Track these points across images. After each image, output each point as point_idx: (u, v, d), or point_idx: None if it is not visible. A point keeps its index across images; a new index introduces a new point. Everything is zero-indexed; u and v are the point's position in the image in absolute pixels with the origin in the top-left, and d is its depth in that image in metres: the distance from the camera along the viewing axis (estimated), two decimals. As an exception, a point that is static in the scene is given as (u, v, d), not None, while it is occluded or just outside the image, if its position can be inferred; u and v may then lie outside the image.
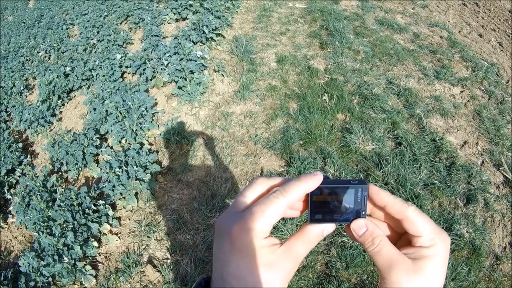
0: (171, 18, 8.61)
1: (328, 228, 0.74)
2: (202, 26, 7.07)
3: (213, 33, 7.13)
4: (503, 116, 5.45)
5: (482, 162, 4.76)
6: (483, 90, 5.91)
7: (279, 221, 3.98)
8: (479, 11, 8.33)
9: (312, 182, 0.71)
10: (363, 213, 0.74)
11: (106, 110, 5.53)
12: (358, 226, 0.74)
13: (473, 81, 5.99)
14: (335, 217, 0.74)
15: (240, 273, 0.66)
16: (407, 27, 7.75)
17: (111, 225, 4.33)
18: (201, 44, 7.12)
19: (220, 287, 0.68)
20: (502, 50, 7.02)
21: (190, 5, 8.33)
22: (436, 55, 6.73)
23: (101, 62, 7.27)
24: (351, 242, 3.81)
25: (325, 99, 5.77)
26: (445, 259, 0.70)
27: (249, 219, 0.66)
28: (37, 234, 4.10)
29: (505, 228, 4.06)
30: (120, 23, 9.65)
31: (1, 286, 3.77)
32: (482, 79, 6.07)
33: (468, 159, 4.76)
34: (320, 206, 0.74)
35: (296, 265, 0.70)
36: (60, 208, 4.22)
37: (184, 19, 8.55)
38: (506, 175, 4.57)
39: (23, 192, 4.68)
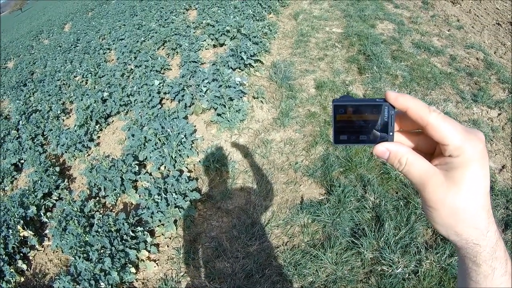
0: (208, 44, 8.67)
1: None
2: (240, 52, 7.06)
3: (251, 59, 7.11)
4: (541, 140, 5.27)
5: (521, 186, 4.60)
6: (520, 112, 5.75)
7: (319, 249, 3.90)
8: (513, 31, 8.21)
9: None
10: (391, 133, 0.70)
11: (145, 137, 5.52)
12: (381, 152, 0.71)
13: (510, 103, 5.82)
14: (361, 138, 0.72)
15: None
16: (443, 49, 7.64)
17: (149, 251, 4.30)
18: (240, 70, 7.13)
19: None
20: (537, 71, 6.87)
21: (228, 31, 8.38)
22: (473, 77, 6.58)
23: (139, 88, 7.32)
24: (390, 270, 3.69)
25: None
26: (480, 165, 0.66)
27: None
28: (73, 258, 4.11)
29: (543, 256, 3.90)
30: (158, 49, 9.76)
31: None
32: (519, 100, 5.92)
33: (506, 184, 4.58)
34: (345, 126, 0.71)
35: None
36: (97, 233, 4.21)
37: (221, 45, 8.59)
38: (544, 200, 4.40)
39: (59, 216, 4.72)
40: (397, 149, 0.70)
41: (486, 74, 6.63)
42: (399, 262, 3.74)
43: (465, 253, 0.71)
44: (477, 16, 9.17)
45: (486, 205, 0.68)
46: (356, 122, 0.70)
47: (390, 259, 3.77)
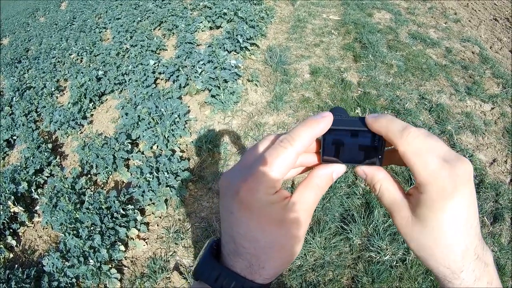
0: (205, 26, 8.63)
1: (338, 170, 0.68)
2: (237, 35, 7.05)
3: (247, 42, 7.10)
4: (533, 135, 5.30)
5: (511, 180, 4.62)
6: (513, 107, 5.77)
7: (308, 233, 3.93)
8: (510, 27, 8.19)
9: (321, 125, 0.63)
10: (379, 157, 0.68)
11: (139, 116, 5.52)
12: (359, 174, 0.69)
13: (503, 98, 5.85)
14: (348, 158, 0.69)
15: (252, 233, 0.62)
16: (439, 41, 7.66)
17: (139, 230, 4.31)
18: (235, 53, 7.11)
19: (232, 250, 0.64)
20: (533, 67, 6.89)
21: (225, 14, 8.34)
22: (468, 70, 6.61)
23: (134, 67, 7.31)
24: (378, 257, 3.75)
25: (357, 113, 5.69)
26: (450, 206, 0.58)
27: (256, 175, 0.60)
28: (63, 235, 4.11)
29: (531, 249, 3.94)
30: (154, 29, 9.73)
31: (24, 285, 3.79)
32: (512, 96, 5.94)
33: (496, 177, 4.62)
34: (334, 145, 0.68)
35: (308, 217, 0.66)
36: (88, 210, 4.22)
37: (218, 27, 8.56)
38: (534, 194, 4.45)
39: (50, 193, 4.71)
40: (373, 174, 0.68)
41: (481, 68, 6.64)
42: (387, 249, 3.78)
43: (442, 285, 0.66)
44: (475, 10, 9.18)
45: (459, 245, 0.61)
46: (346, 144, 0.68)
47: (378, 246, 3.81)
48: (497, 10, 9.07)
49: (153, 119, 5.31)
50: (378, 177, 0.68)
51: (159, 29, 9.76)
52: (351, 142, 0.68)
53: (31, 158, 5.73)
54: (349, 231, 3.98)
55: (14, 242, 4.77)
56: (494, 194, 4.36)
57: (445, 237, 0.61)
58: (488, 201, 4.29)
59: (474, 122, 5.41)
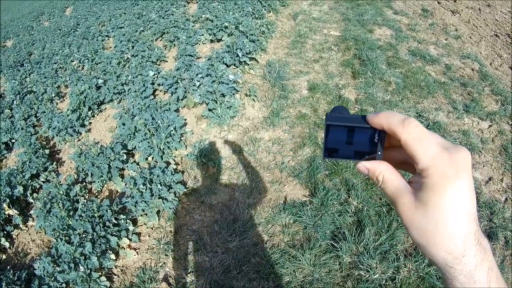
0: (206, 39, 8.68)
1: None
2: (236, 49, 7.09)
3: (246, 56, 7.15)
4: (531, 153, 5.30)
5: (506, 199, 4.61)
6: (511, 125, 5.81)
7: (298, 250, 3.95)
8: (511, 43, 8.24)
9: None
10: (379, 153, 0.73)
11: (135, 127, 5.56)
12: (362, 169, 0.74)
13: (502, 116, 5.87)
14: (350, 155, 0.75)
15: None
16: (439, 58, 7.68)
17: (130, 239, 4.34)
18: (234, 67, 7.16)
19: None
20: (533, 84, 6.91)
21: (226, 27, 8.41)
22: (467, 88, 6.62)
23: (133, 78, 7.37)
24: (367, 275, 3.74)
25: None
26: (451, 191, 0.63)
27: None
28: (55, 240, 4.16)
29: (523, 267, 3.95)
30: (155, 40, 9.80)
31: (15, 286, 3.83)
32: (511, 113, 5.96)
33: (491, 196, 4.62)
34: (335, 143, 0.74)
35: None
36: (81, 218, 4.26)
37: (219, 40, 8.61)
38: (529, 213, 4.45)
39: (45, 198, 4.76)
40: (374, 167, 0.72)
41: (480, 85, 6.67)
42: (377, 268, 3.79)
43: (443, 272, 0.68)
44: (476, 26, 9.23)
45: (461, 230, 0.64)
46: (347, 141, 0.74)
47: (368, 265, 3.82)
48: (498, 26, 9.13)
49: (149, 131, 5.36)
50: (380, 168, 0.72)
51: (160, 40, 9.82)
52: (352, 139, 0.73)
53: (28, 162, 5.77)
54: (339, 249, 3.98)
55: (7, 244, 4.81)
56: (489, 213, 4.37)
57: (446, 220, 0.64)
58: (483, 219, 4.30)
59: (471, 140, 5.43)
